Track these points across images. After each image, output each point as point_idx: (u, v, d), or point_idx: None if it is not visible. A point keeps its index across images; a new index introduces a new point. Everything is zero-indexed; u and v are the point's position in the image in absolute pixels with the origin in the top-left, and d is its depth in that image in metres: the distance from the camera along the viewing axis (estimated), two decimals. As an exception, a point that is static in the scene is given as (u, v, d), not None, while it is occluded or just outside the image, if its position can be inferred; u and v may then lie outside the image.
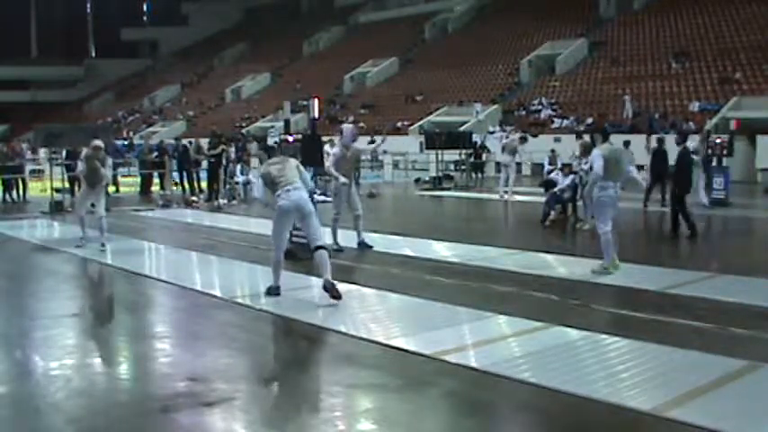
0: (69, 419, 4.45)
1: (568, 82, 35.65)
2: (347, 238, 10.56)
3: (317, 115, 10.52)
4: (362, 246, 10.54)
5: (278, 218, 7.42)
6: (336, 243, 10.42)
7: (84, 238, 10.86)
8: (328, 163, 10.43)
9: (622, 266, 8.44)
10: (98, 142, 11.11)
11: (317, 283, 8.34)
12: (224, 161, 18.79)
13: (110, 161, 11.24)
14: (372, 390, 4.99)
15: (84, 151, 11.29)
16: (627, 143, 17.01)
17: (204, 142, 19.93)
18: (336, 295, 7.04)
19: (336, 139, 11.07)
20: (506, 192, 18.26)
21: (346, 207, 10.57)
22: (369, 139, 29.58)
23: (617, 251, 8.52)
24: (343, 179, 10.26)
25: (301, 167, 7.68)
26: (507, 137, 20.70)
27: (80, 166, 11.36)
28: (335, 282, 7.13)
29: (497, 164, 22.75)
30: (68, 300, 7.91)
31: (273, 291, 7.55)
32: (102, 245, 10.61)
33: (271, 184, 7.43)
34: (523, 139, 20.19)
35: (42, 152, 26.20)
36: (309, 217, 7.38)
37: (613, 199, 8.54)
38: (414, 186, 23.78)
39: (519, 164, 21.00)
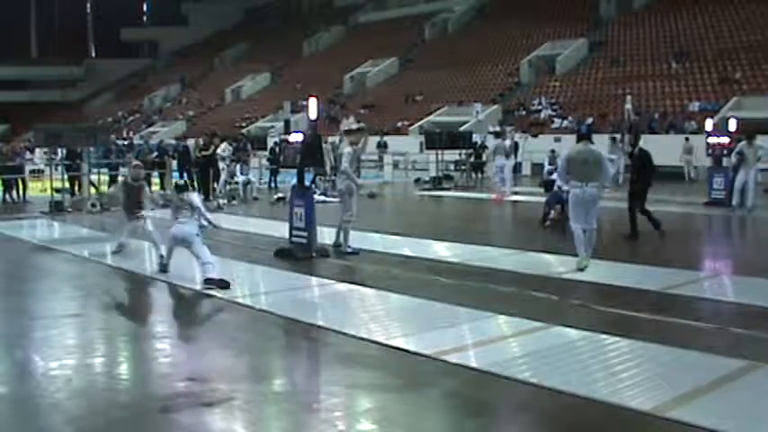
0: (69, 419, 4.44)
1: (568, 82, 35.67)
2: (331, 236, 10.55)
3: (314, 116, 10.45)
4: (345, 247, 10.44)
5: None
6: (350, 246, 10.30)
7: (122, 244, 10.11)
8: (345, 164, 10.27)
9: (624, 266, 8.44)
10: (137, 172, 10.36)
11: (317, 283, 8.38)
12: (221, 161, 18.80)
13: (148, 193, 10.54)
14: (372, 390, 4.99)
15: (120, 180, 10.76)
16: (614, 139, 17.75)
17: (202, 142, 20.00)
18: (223, 285, 7.83)
19: (343, 138, 11.01)
20: (513, 192, 18.43)
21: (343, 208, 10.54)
22: (378, 140, 29.68)
23: (590, 250, 8.73)
24: (360, 181, 10.48)
25: (197, 204, 8.45)
26: (504, 138, 20.63)
27: (111, 190, 10.75)
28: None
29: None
30: (68, 300, 7.91)
31: (162, 268, 8.66)
32: (162, 257, 9.28)
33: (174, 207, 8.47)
34: (502, 134, 20.24)
35: (38, 153, 26.20)
36: (191, 247, 8.20)
37: (579, 197, 8.72)
38: (414, 186, 23.77)
39: (519, 163, 21.00)
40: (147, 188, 10.70)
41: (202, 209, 8.63)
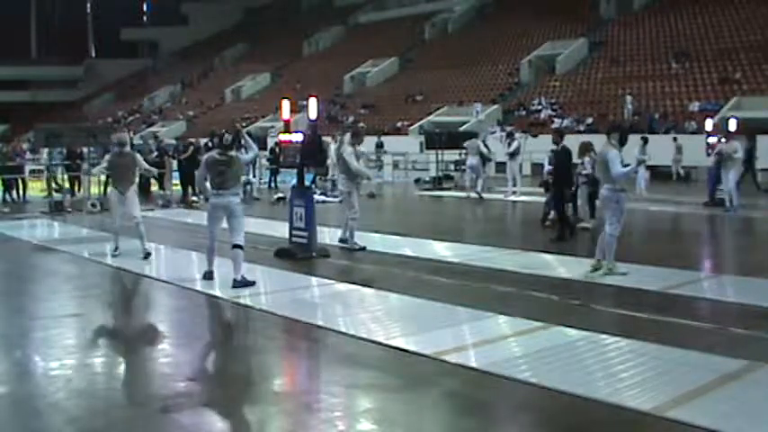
0: (69, 419, 4.44)
1: (568, 82, 35.65)
2: (331, 236, 10.63)
3: (313, 116, 10.48)
4: (343, 243, 10.69)
5: (209, 211, 8.32)
6: (356, 243, 10.57)
7: (119, 248, 10.07)
8: (356, 164, 10.59)
9: (623, 266, 8.42)
10: (120, 136, 10.24)
11: (317, 283, 8.38)
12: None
13: (144, 163, 10.39)
14: (372, 390, 4.99)
15: (109, 153, 10.51)
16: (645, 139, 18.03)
17: (203, 142, 20.14)
18: (249, 284, 7.94)
19: (345, 137, 11.12)
20: (513, 192, 18.52)
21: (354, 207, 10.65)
22: (376, 140, 29.69)
23: (607, 256, 8.40)
24: (371, 173, 10.67)
25: (242, 169, 8.52)
26: (511, 140, 20.51)
27: (101, 166, 10.50)
28: (243, 281, 7.95)
29: (498, 164, 22.78)
30: (68, 300, 7.91)
31: (206, 275, 8.26)
32: (147, 253, 9.86)
33: (210, 176, 8.15)
34: (510, 135, 20.14)
35: (45, 153, 26.17)
36: (235, 217, 8.18)
37: (601, 198, 8.57)
38: (414, 186, 23.77)
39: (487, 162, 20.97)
40: (138, 156, 10.42)
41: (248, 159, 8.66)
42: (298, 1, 66.58)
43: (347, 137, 11.13)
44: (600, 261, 8.49)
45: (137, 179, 10.30)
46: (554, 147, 11.63)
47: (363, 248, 10.47)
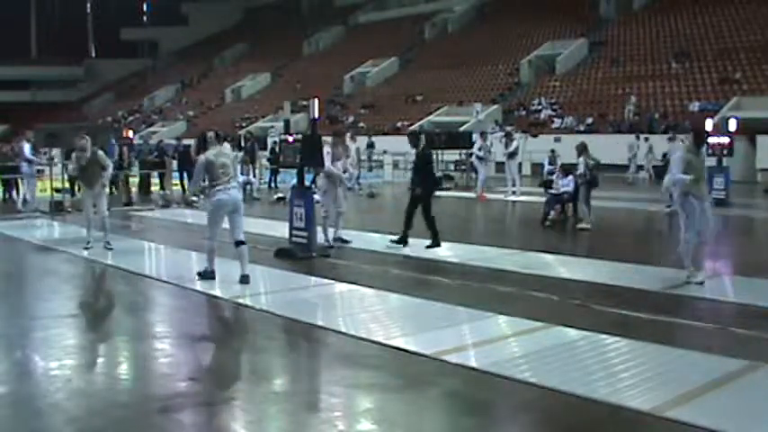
0: (69, 419, 4.44)
1: (568, 82, 35.66)
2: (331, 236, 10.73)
3: (317, 116, 10.54)
4: (339, 241, 10.78)
5: (214, 210, 8.15)
6: (328, 241, 10.67)
7: (91, 240, 10.59)
8: (327, 163, 10.52)
9: (621, 266, 8.42)
10: (81, 144, 10.58)
11: (316, 282, 8.37)
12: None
13: (108, 160, 10.86)
14: (372, 390, 4.99)
15: (75, 152, 11.01)
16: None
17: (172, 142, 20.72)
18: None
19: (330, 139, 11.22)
20: (513, 192, 18.50)
21: (332, 204, 10.72)
22: (367, 140, 29.76)
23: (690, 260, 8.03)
24: (344, 176, 10.71)
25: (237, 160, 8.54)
26: (510, 140, 20.44)
27: (70, 167, 11.21)
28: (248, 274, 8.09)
29: (497, 164, 22.79)
30: (68, 300, 7.91)
31: (208, 275, 8.21)
32: (108, 243, 10.51)
33: (210, 174, 8.01)
34: (509, 135, 20.04)
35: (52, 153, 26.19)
36: (238, 214, 8.23)
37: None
38: (414, 186, 23.72)
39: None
40: (101, 153, 10.78)
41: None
42: (298, 1, 66.57)
43: (347, 137, 11.19)
44: (690, 269, 7.98)
45: (105, 178, 10.77)
46: (414, 150, 11.04)
47: (331, 247, 10.49)
